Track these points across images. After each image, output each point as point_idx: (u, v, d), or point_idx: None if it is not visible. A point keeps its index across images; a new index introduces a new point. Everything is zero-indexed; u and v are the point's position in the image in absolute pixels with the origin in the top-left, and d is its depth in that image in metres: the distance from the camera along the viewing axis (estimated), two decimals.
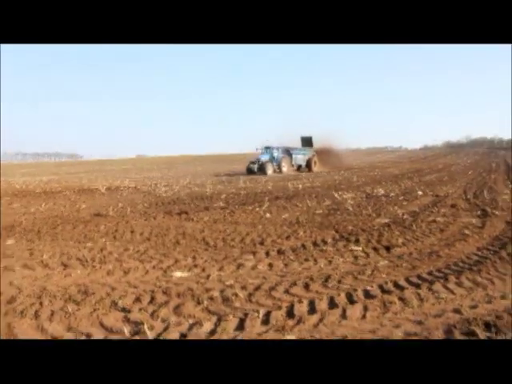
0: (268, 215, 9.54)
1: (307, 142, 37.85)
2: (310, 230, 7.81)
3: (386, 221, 8.47)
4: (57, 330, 3.71)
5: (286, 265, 5.58)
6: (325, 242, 6.73)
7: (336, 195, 12.97)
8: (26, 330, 3.71)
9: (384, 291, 4.43)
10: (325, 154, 37.10)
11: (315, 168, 35.34)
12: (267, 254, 6.14)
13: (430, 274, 5.01)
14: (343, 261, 5.68)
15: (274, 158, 33.19)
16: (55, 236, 7.96)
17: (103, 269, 5.56)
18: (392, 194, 13.11)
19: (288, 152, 34.75)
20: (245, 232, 7.70)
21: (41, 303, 4.32)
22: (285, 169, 33.15)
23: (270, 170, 31.45)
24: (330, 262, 5.65)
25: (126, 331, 3.62)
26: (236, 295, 4.38)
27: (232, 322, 3.77)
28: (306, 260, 5.76)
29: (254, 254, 6.14)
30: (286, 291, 4.52)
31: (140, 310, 4.09)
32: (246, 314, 3.91)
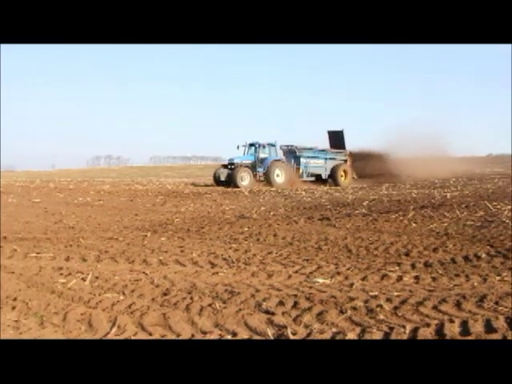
0: (413, 225, 9.10)
1: (336, 139, 26.24)
2: (460, 242, 7.25)
3: None
4: (206, 325, 3.90)
5: (433, 279, 5.23)
6: (478, 257, 6.18)
7: (490, 206, 11.91)
8: (178, 322, 3.97)
9: None
10: (375, 160, 24.89)
11: (345, 180, 24.51)
12: (413, 266, 5.83)
13: None
14: (500, 280, 5.14)
15: (260, 161, 22.25)
16: (203, 235, 8.48)
17: (248, 270, 5.75)
18: None
19: (293, 154, 23.37)
20: (389, 241, 7.42)
21: (191, 298, 4.59)
22: (279, 179, 21.85)
23: (245, 181, 21.24)
24: (485, 279, 5.15)
25: (270, 333, 3.67)
26: (381, 307, 4.20)
27: (376, 335, 3.60)
28: (457, 275, 5.34)
29: (398, 265, 5.87)
30: (435, 308, 4.22)
31: (283, 313, 4.12)
32: (391, 328, 3.72)
